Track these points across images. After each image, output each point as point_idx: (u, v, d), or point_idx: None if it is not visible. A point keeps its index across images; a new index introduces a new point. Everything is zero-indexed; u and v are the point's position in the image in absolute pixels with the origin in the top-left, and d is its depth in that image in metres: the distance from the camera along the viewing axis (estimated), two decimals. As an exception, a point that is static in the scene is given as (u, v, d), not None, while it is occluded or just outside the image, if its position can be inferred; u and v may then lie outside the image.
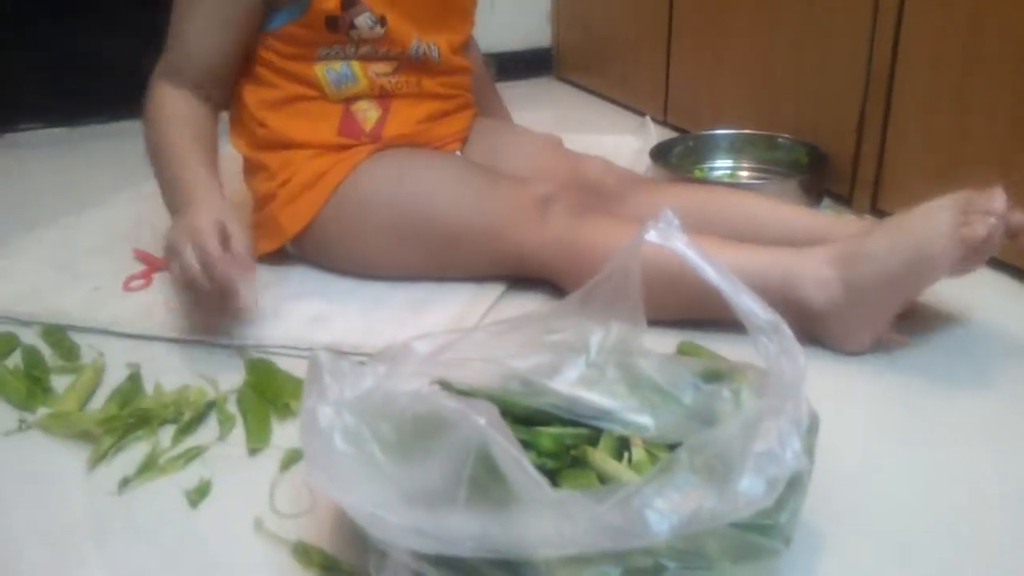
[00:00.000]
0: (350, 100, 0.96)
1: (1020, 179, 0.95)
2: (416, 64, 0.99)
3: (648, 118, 1.52)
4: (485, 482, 0.46)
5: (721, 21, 1.43)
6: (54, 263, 1.05)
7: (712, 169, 1.32)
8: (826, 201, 1.21)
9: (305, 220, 0.95)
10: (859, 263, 0.77)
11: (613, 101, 1.80)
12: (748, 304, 0.58)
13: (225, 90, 0.95)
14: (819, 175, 1.19)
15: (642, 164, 1.34)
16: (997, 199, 0.76)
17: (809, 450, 0.58)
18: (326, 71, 0.95)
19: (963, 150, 1.03)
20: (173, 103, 0.90)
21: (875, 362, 0.82)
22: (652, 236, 0.61)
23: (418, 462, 0.47)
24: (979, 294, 0.91)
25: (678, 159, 1.31)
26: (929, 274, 0.78)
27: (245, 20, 0.91)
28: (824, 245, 0.81)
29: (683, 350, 0.82)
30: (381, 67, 0.97)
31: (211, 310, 0.84)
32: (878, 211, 1.16)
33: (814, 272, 0.79)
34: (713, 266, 0.59)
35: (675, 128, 1.57)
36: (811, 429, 0.61)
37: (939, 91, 1.05)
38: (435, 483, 0.46)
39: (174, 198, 0.87)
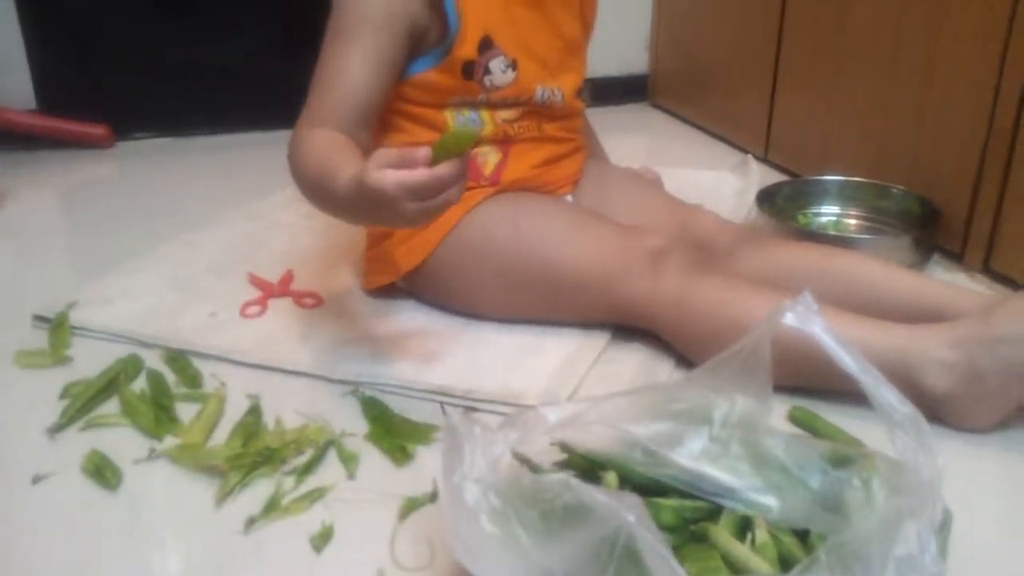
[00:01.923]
0: (473, 145, 0.98)
1: None
2: (540, 109, 1.00)
3: (750, 156, 1.51)
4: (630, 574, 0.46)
5: (834, 59, 1.40)
6: (174, 283, 1.09)
7: (818, 215, 1.30)
8: (936, 257, 1.19)
9: (420, 258, 0.96)
10: (985, 348, 0.75)
11: (710, 133, 1.79)
12: (887, 397, 0.58)
13: (369, 136, 0.91)
14: (931, 231, 1.17)
15: (744, 204, 1.33)
16: None
17: (942, 550, 0.58)
18: (455, 116, 0.96)
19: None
20: (321, 135, 0.85)
21: (996, 441, 0.80)
22: (790, 319, 0.60)
23: (563, 549, 0.47)
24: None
25: (784, 202, 1.29)
26: (1064, 362, 0.76)
27: (396, 65, 0.91)
28: (946, 325, 0.79)
29: (796, 415, 0.82)
30: (507, 113, 0.98)
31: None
32: (990, 270, 1.13)
33: (936, 355, 0.77)
34: (851, 355, 0.59)
35: (776, 167, 1.56)
36: (944, 526, 0.60)
37: None
38: (579, 571, 0.47)
39: (349, 193, 0.76)
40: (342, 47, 0.89)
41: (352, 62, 0.88)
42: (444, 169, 0.70)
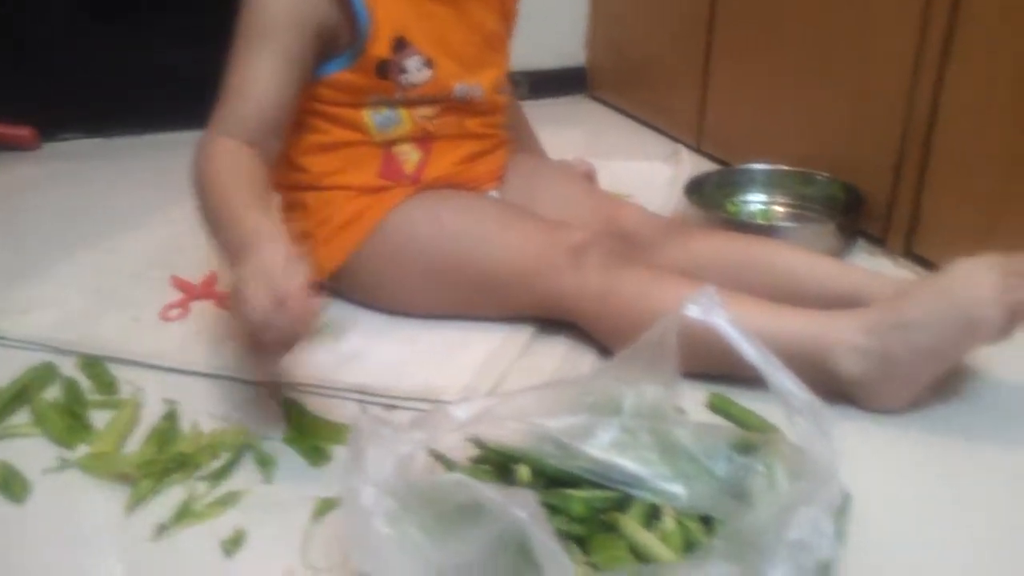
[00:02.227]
0: (392, 143, 0.97)
1: None
2: (460, 105, 0.99)
3: (681, 147, 1.52)
4: (523, 572, 0.46)
5: (762, 52, 1.42)
6: (93, 290, 1.07)
7: (746, 203, 1.31)
8: (861, 243, 1.20)
9: (341, 259, 0.96)
10: (897, 332, 0.77)
11: (646, 124, 1.79)
12: (786, 384, 0.59)
13: (280, 142, 0.90)
14: (855, 217, 1.19)
15: (675, 194, 1.34)
16: None
17: (840, 532, 0.59)
18: (372, 115, 0.95)
19: (1003, 196, 1.02)
20: (226, 156, 0.85)
21: (906, 422, 0.81)
22: (693, 311, 0.61)
23: (457, 547, 0.47)
24: (1014, 350, 0.90)
25: (712, 191, 1.31)
26: (971, 343, 0.77)
27: (306, 67, 0.90)
28: (859, 310, 0.80)
29: (714, 403, 0.83)
30: (426, 110, 0.97)
31: (271, 355, 0.78)
32: (912, 255, 1.15)
33: (849, 340, 0.78)
34: (752, 345, 0.60)
35: (709, 157, 1.57)
36: (842, 510, 0.61)
37: (981, 136, 1.04)
38: (473, 569, 0.47)
39: (235, 245, 0.78)
40: (250, 54, 0.88)
41: (261, 68, 0.87)
42: (301, 298, 0.69)
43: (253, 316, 0.69)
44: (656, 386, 0.67)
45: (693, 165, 1.48)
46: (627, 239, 1.00)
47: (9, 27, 1.65)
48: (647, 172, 1.47)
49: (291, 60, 0.89)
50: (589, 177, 1.24)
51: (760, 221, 1.25)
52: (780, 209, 1.30)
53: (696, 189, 1.28)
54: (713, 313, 0.60)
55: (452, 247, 0.93)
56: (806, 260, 0.93)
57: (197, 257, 1.16)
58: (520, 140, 1.20)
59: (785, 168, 1.31)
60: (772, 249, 0.96)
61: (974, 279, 0.76)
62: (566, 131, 1.79)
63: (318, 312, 0.72)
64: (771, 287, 0.89)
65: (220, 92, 0.88)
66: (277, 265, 0.70)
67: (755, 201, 1.32)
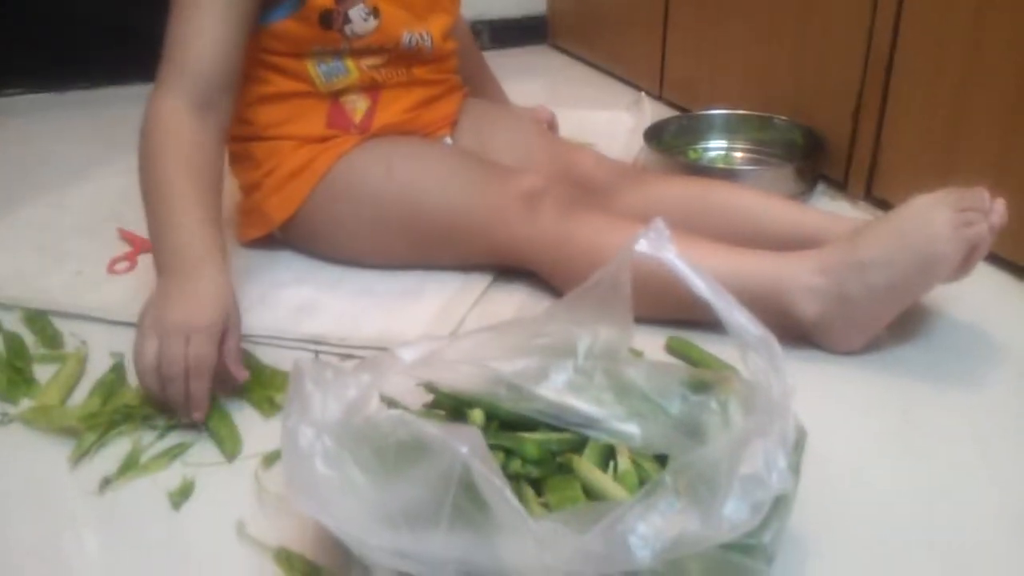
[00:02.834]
0: (339, 93, 0.94)
1: (1016, 167, 0.94)
2: (408, 54, 0.96)
3: (643, 95, 1.50)
4: (468, 509, 0.45)
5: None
6: (37, 245, 1.04)
7: (706, 149, 1.30)
8: (821, 187, 1.20)
9: (291, 209, 0.93)
10: (853, 272, 0.76)
11: (608, 73, 1.77)
12: (738, 319, 0.57)
13: (231, 96, 0.86)
14: (814, 160, 1.18)
15: (636, 142, 1.32)
16: (986, 196, 0.76)
17: (795, 467, 0.58)
18: (317, 65, 0.92)
19: (960, 137, 1.01)
20: (178, 130, 0.80)
21: (865, 362, 0.81)
22: (642, 246, 0.59)
23: (400, 487, 0.46)
24: (972, 289, 0.90)
25: (672, 138, 1.29)
26: (929, 281, 0.77)
27: (252, 15, 0.86)
28: (815, 251, 0.79)
29: (672, 345, 0.82)
30: (373, 60, 0.95)
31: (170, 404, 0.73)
32: (873, 197, 1.15)
33: (806, 281, 0.77)
34: (704, 279, 0.58)
35: (671, 104, 1.55)
36: (798, 445, 0.60)
37: (937, 78, 1.03)
38: (418, 508, 0.46)
39: (166, 255, 0.77)
40: (193, 6, 0.83)
41: (204, 22, 0.83)
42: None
43: (143, 379, 0.71)
44: (610, 327, 0.66)
45: (655, 113, 1.47)
46: (583, 184, 0.98)
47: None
48: (609, 121, 1.45)
49: (234, 11, 0.85)
50: (550, 125, 1.22)
51: (720, 165, 1.23)
52: (740, 154, 1.29)
53: (656, 135, 1.26)
54: (663, 248, 0.59)
55: (403, 195, 0.91)
56: (764, 202, 0.92)
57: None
58: (479, 85, 1.17)
59: (744, 112, 1.29)
60: (730, 192, 0.95)
61: (929, 216, 0.75)
62: (528, 81, 1.76)
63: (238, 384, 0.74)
64: (729, 230, 0.88)
65: (164, 47, 0.84)
66: (209, 332, 0.70)
67: (716, 147, 1.30)
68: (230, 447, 0.70)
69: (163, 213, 0.78)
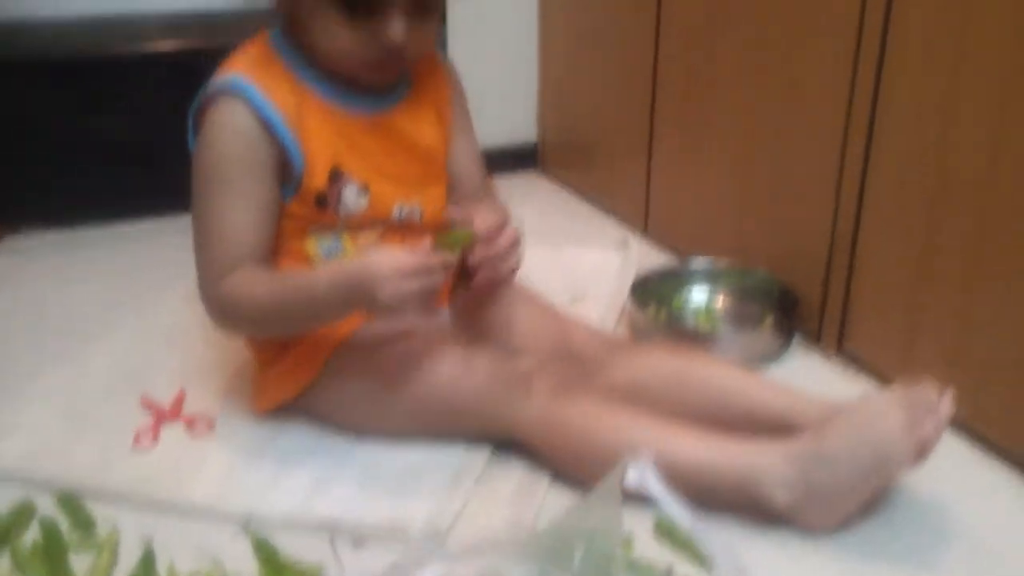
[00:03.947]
0: None
1: (975, 324, 1.03)
2: (400, 227, 1.04)
3: (630, 236, 1.59)
4: None
5: (699, 145, 1.50)
6: (63, 413, 1.10)
7: (689, 296, 1.39)
8: (797, 338, 1.28)
9: (299, 388, 1.02)
10: (819, 465, 0.84)
11: (596, 204, 1.87)
12: (714, 547, 0.65)
13: (270, 255, 0.98)
14: (790, 316, 1.26)
15: (624, 285, 1.41)
16: (935, 396, 0.85)
17: None
18: (318, 243, 1.01)
19: (924, 296, 1.10)
20: (248, 277, 0.93)
21: (839, 543, 0.88)
22: (630, 479, 0.67)
23: None
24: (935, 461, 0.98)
25: (657, 285, 1.38)
26: (887, 476, 0.86)
27: (276, 203, 0.96)
28: (785, 443, 0.87)
29: (659, 529, 0.89)
30: (368, 235, 1.02)
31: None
32: (845, 351, 1.23)
33: (777, 472, 0.85)
34: (681, 509, 0.66)
35: (656, 243, 1.64)
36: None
37: (902, 239, 1.11)
38: None
39: (343, 294, 0.90)
40: (218, 201, 0.93)
41: (234, 213, 0.93)
42: (438, 258, 0.87)
43: (391, 297, 0.87)
44: (604, 533, 0.74)
45: (642, 252, 1.56)
46: (575, 359, 1.06)
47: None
48: (598, 262, 1.55)
49: (259, 197, 0.95)
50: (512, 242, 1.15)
51: (702, 326, 1.31)
52: (721, 302, 1.38)
53: (642, 285, 1.35)
54: (647, 481, 0.67)
55: (407, 376, 0.99)
56: (740, 381, 1.00)
57: (167, 368, 1.21)
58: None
59: (725, 265, 1.39)
60: (708, 367, 1.03)
61: (884, 416, 0.84)
62: (517, 206, 1.85)
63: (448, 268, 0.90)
64: (706, 405, 0.97)
65: (197, 244, 0.94)
66: (394, 254, 0.88)
67: (698, 295, 1.39)
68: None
69: (302, 296, 0.93)
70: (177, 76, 1.71)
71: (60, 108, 1.70)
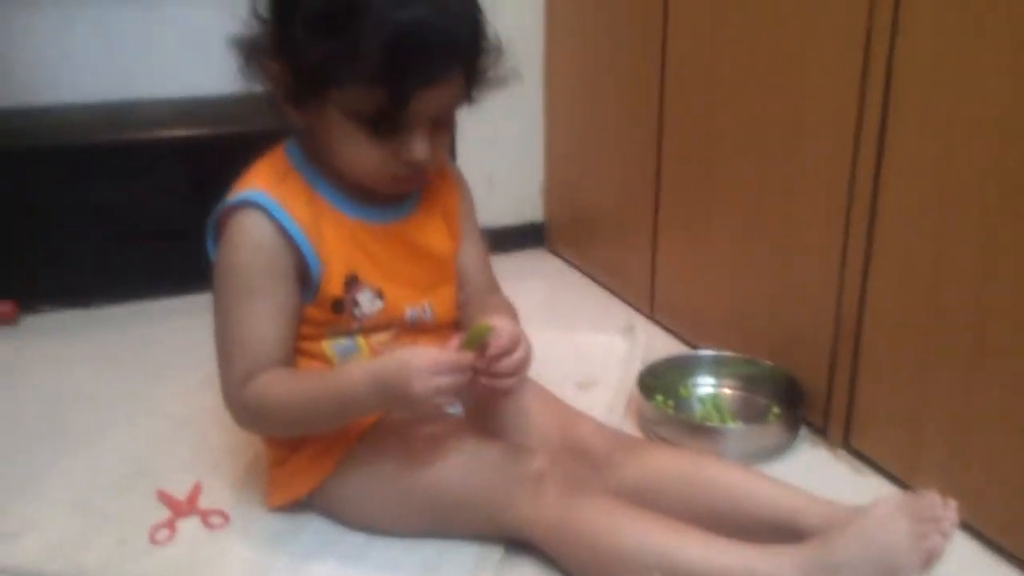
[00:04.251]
0: None
1: (983, 420, 1.04)
2: (412, 327, 1.07)
3: (636, 326, 1.61)
4: None
5: (704, 223, 1.52)
6: (76, 506, 1.11)
7: (696, 385, 1.41)
8: (804, 431, 1.29)
9: (313, 484, 1.03)
10: (827, 573, 0.85)
11: (602, 284, 1.90)
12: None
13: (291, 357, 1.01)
14: (796, 409, 1.28)
15: (631, 373, 1.43)
16: (941, 504, 0.87)
17: None
18: (332, 345, 1.03)
19: (927, 393, 1.11)
20: (273, 379, 0.95)
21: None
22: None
23: None
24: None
25: (664, 373, 1.40)
26: (894, 585, 0.87)
27: (296, 301, 0.98)
28: (794, 549, 0.89)
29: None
30: (381, 335, 1.05)
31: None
32: (851, 447, 1.25)
33: (784, 579, 0.87)
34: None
35: (661, 326, 1.67)
36: None
37: (906, 330, 1.13)
38: None
39: (374, 393, 0.92)
40: (242, 310, 0.95)
41: (257, 321, 0.95)
42: (467, 356, 0.91)
43: (426, 392, 0.90)
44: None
45: (648, 335, 1.58)
46: (583, 455, 1.08)
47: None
48: (605, 347, 1.57)
49: (281, 303, 0.98)
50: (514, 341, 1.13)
51: (711, 419, 1.32)
52: (728, 392, 1.40)
53: (650, 373, 1.37)
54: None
55: (419, 475, 1.00)
56: (747, 483, 1.01)
57: (181, 459, 1.23)
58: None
59: (730, 354, 1.41)
60: (717, 470, 1.04)
61: (890, 525, 0.86)
62: (524, 283, 1.88)
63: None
64: (713, 507, 0.99)
65: (221, 351, 0.97)
66: (427, 353, 0.91)
67: (704, 383, 1.41)
68: None
69: (332, 394, 0.95)
70: (187, 159, 1.80)
71: (74, 190, 1.75)
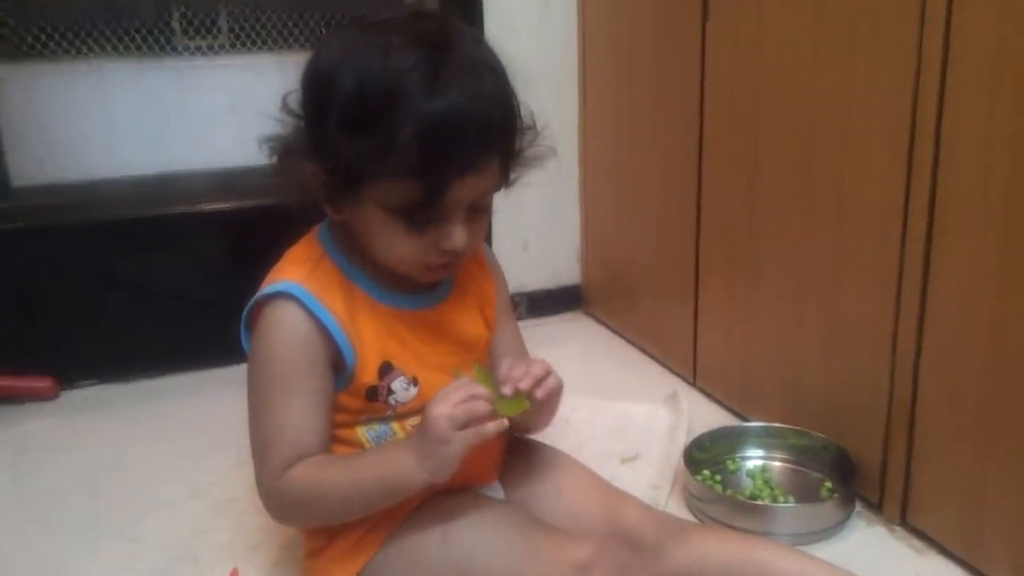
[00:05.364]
0: None
1: None
2: None
3: (679, 391, 1.57)
4: None
5: (748, 287, 1.48)
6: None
7: (744, 458, 1.36)
8: (859, 507, 1.24)
9: (355, 571, 1.00)
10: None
11: (642, 349, 1.86)
12: None
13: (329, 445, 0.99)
14: (849, 486, 1.23)
15: (676, 444, 1.39)
16: None
17: None
18: (367, 431, 1.01)
19: (988, 469, 1.06)
20: (310, 467, 0.93)
21: None
22: None
23: None
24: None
25: (711, 445, 1.36)
26: None
27: (329, 395, 0.96)
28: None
29: None
30: (416, 419, 1.02)
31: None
32: (908, 525, 1.19)
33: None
34: None
35: (704, 394, 1.63)
36: None
37: (962, 400, 1.08)
38: None
39: (416, 464, 0.91)
40: (278, 402, 0.93)
41: (292, 412, 0.93)
42: (477, 386, 0.90)
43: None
44: None
45: (691, 404, 1.54)
46: (630, 539, 1.03)
47: (20, 280, 1.72)
48: (648, 417, 1.53)
49: (316, 393, 0.95)
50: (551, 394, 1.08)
51: (761, 495, 1.27)
52: (778, 464, 1.35)
53: (696, 446, 1.33)
54: None
55: (459, 563, 0.97)
56: (796, 567, 0.97)
57: (220, 543, 1.21)
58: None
59: (780, 425, 1.36)
60: (767, 552, 1.00)
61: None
62: (562, 347, 1.86)
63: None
64: None
65: (256, 442, 0.95)
66: (445, 402, 0.89)
67: (753, 455, 1.37)
68: None
69: (377, 478, 0.93)
70: (224, 232, 1.81)
71: (112, 264, 1.77)
